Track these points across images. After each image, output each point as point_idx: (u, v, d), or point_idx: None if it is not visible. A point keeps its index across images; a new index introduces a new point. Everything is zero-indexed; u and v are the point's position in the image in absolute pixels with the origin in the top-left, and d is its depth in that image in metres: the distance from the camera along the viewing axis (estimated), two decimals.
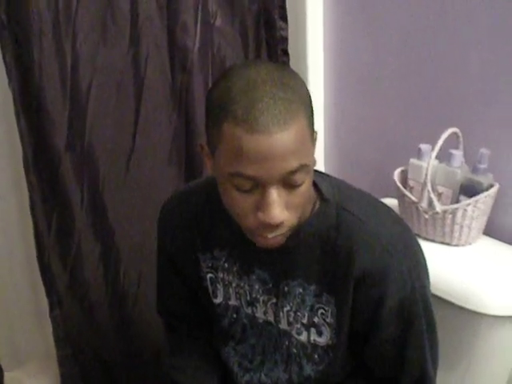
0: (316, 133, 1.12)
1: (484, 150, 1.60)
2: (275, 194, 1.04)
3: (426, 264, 1.24)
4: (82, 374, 2.03)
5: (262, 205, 1.05)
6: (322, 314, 1.24)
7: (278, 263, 1.25)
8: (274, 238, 1.11)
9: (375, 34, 1.97)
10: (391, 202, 1.78)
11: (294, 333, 1.29)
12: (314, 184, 1.22)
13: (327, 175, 1.28)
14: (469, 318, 1.48)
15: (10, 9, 1.64)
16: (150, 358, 2.13)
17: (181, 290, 1.48)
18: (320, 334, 1.26)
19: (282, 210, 1.05)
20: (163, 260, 1.48)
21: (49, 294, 1.90)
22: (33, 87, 1.71)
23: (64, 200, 1.83)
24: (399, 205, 1.74)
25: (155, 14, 1.86)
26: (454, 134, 1.63)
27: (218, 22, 1.99)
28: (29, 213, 1.82)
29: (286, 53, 2.15)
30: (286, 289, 1.26)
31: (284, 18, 2.11)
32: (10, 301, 2.10)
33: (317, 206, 1.22)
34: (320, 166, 2.10)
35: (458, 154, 1.64)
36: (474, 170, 1.62)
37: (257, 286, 1.30)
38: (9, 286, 2.09)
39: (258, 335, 1.36)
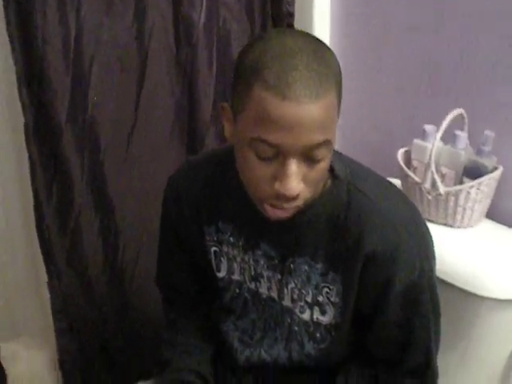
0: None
1: (488, 132, 1.59)
2: (295, 166, 1.03)
3: (433, 247, 1.23)
4: (80, 347, 2.03)
5: (280, 175, 1.04)
6: (326, 292, 1.23)
7: (286, 239, 1.24)
8: (285, 210, 1.10)
9: (383, 12, 1.95)
10: (395, 182, 1.77)
11: (296, 310, 1.28)
12: None
13: (339, 153, 1.26)
14: (470, 300, 1.48)
15: None
16: (147, 332, 2.13)
17: (183, 262, 1.47)
18: (324, 312, 1.25)
19: (299, 183, 1.05)
20: (167, 231, 1.47)
21: (48, 264, 1.90)
22: (35, 57, 1.70)
23: (64, 171, 1.83)
24: (402, 185, 1.73)
25: None
26: (460, 115, 1.61)
27: None
28: (29, 182, 1.81)
29: (291, 26, 2.12)
30: (291, 266, 1.25)
31: None
32: (7, 271, 2.10)
33: (328, 183, 1.21)
34: None
35: (462, 136, 1.63)
36: (479, 152, 1.61)
37: (262, 262, 1.29)
38: (7, 257, 2.08)
39: (260, 311, 1.36)
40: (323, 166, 1.07)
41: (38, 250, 1.89)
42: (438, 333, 1.27)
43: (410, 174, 1.68)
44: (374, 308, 1.22)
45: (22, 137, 1.76)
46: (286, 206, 1.08)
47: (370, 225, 1.17)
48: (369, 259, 1.16)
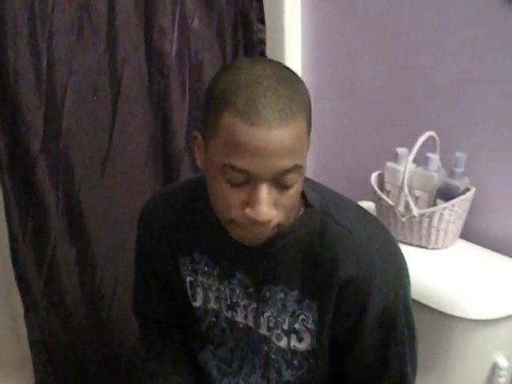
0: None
1: (460, 154, 1.61)
2: (265, 191, 1.03)
3: (408, 272, 1.23)
4: (58, 379, 2.01)
5: (251, 201, 1.04)
6: (302, 320, 1.23)
7: (260, 268, 1.24)
8: (256, 235, 1.10)
9: (353, 39, 1.97)
10: (368, 206, 1.78)
11: (273, 339, 1.27)
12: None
13: (311, 180, 1.27)
14: (445, 321, 1.49)
15: None
16: (126, 361, 2.11)
17: (158, 292, 1.47)
18: (300, 340, 1.25)
19: (270, 209, 1.04)
20: (141, 261, 1.46)
21: (24, 297, 1.89)
22: (8, 89, 1.69)
23: (39, 203, 1.82)
24: (376, 208, 1.74)
25: (132, 16, 1.85)
26: (431, 137, 1.63)
27: (196, 25, 1.98)
28: (3, 215, 1.80)
29: (263, 54, 2.14)
30: (267, 294, 1.25)
31: (262, 21, 2.11)
32: None
33: (301, 211, 1.21)
34: None
35: (434, 158, 1.64)
36: (451, 173, 1.62)
37: (237, 290, 1.29)
38: None
39: (237, 339, 1.35)
40: (294, 191, 1.07)
41: (14, 283, 1.88)
42: (414, 355, 1.27)
43: (384, 197, 1.69)
44: (350, 334, 1.21)
45: None
46: (257, 231, 1.08)
47: (345, 252, 1.16)
48: (343, 286, 1.16)
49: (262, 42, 2.12)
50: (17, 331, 2.07)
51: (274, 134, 0.98)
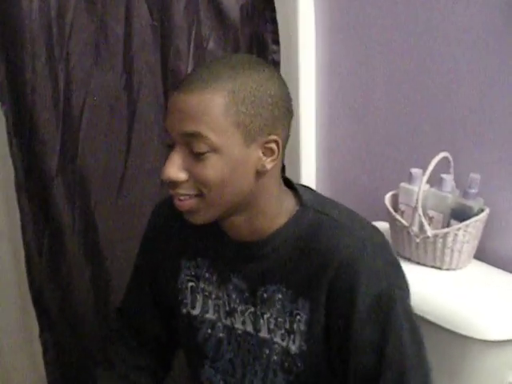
0: (278, 142, 1.15)
1: (474, 175, 1.61)
2: (177, 154, 1.12)
3: (404, 273, 1.21)
4: None
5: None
6: (298, 320, 1.22)
7: (255, 270, 1.25)
8: (182, 201, 1.15)
9: (367, 59, 1.98)
10: (382, 226, 1.78)
11: (277, 339, 1.25)
12: (295, 190, 1.26)
13: (310, 188, 1.32)
14: (459, 342, 1.48)
15: (4, 31, 1.65)
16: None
17: (150, 297, 1.49)
18: (294, 341, 1.23)
19: (176, 170, 1.12)
20: (142, 259, 1.50)
21: (39, 317, 1.90)
22: (25, 110, 1.71)
23: (55, 223, 1.83)
24: (390, 229, 1.74)
25: (149, 38, 1.88)
26: (445, 158, 1.64)
27: (211, 46, 2.00)
28: (20, 234, 1.81)
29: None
30: (264, 295, 1.25)
31: (276, 42, 2.13)
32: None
33: (295, 210, 1.23)
34: None
35: (448, 179, 1.64)
36: (465, 194, 1.62)
37: (234, 296, 1.29)
38: None
39: (235, 349, 1.34)
40: (209, 165, 1.11)
41: (30, 303, 1.89)
42: (421, 364, 1.19)
43: (398, 217, 1.69)
44: (345, 333, 1.16)
45: (13, 188, 1.77)
46: (174, 193, 1.15)
47: (337, 247, 1.17)
48: (333, 278, 1.15)
49: (277, 63, 2.14)
50: (33, 351, 2.08)
51: (182, 97, 1.09)
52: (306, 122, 2.17)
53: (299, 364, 1.24)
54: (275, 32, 2.12)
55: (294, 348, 1.23)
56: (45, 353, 1.94)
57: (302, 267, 1.20)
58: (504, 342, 1.46)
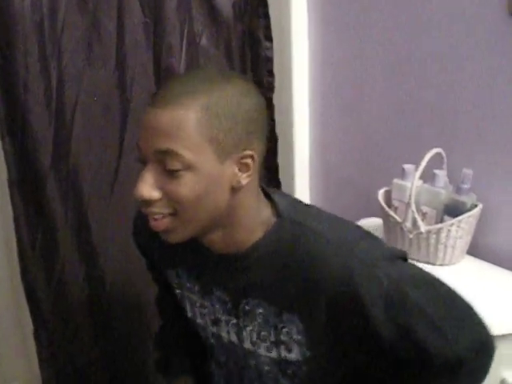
0: (253, 158, 1.12)
1: (467, 171, 1.61)
2: (148, 172, 1.08)
3: (393, 258, 1.16)
4: None
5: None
6: (287, 332, 1.20)
7: (235, 283, 1.24)
8: (156, 221, 1.12)
9: (361, 55, 1.98)
10: (376, 222, 1.78)
11: (261, 351, 1.25)
12: (272, 201, 1.22)
13: (287, 195, 1.28)
14: None
15: None
16: (134, 377, 2.12)
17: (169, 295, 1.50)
18: (289, 350, 1.22)
19: (149, 189, 1.08)
20: (150, 268, 1.52)
21: (33, 314, 1.90)
22: (18, 107, 1.71)
23: (48, 220, 1.83)
24: (384, 224, 1.75)
25: (141, 35, 1.88)
26: (438, 154, 1.64)
27: (204, 43, 2.01)
28: (13, 233, 1.81)
29: (271, 72, 2.16)
30: (246, 308, 1.24)
31: (269, 38, 2.13)
32: None
33: (272, 222, 1.19)
34: (305, 186, 2.12)
35: (441, 175, 1.65)
36: (458, 190, 1.62)
37: (217, 306, 1.29)
38: None
39: (226, 354, 1.35)
40: (183, 183, 1.07)
41: (24, 300, 1.89)
42: (457, 315, 1.17)
43: (391, 213, 1.69)
44: (371, 338, 1.11)
45: (5, 186, 1.77)
46: (148, 212, 1.12)
47: (319, 257, 1.12)
48: (328, 292, 1.11)
49: (270, 59, 2.14)
50: (27, 348, 2.07)
51: (155, 113, 1.05)
52: (299, 118, 2.17)
53: (304, 368, 1.24)
54: (268, 27, 2.12)
55: (293, 356, 1.22)
56: (39, 349, 1.94)
57: (283, 282, 1.17)
58: (498, 337, 1.46)
